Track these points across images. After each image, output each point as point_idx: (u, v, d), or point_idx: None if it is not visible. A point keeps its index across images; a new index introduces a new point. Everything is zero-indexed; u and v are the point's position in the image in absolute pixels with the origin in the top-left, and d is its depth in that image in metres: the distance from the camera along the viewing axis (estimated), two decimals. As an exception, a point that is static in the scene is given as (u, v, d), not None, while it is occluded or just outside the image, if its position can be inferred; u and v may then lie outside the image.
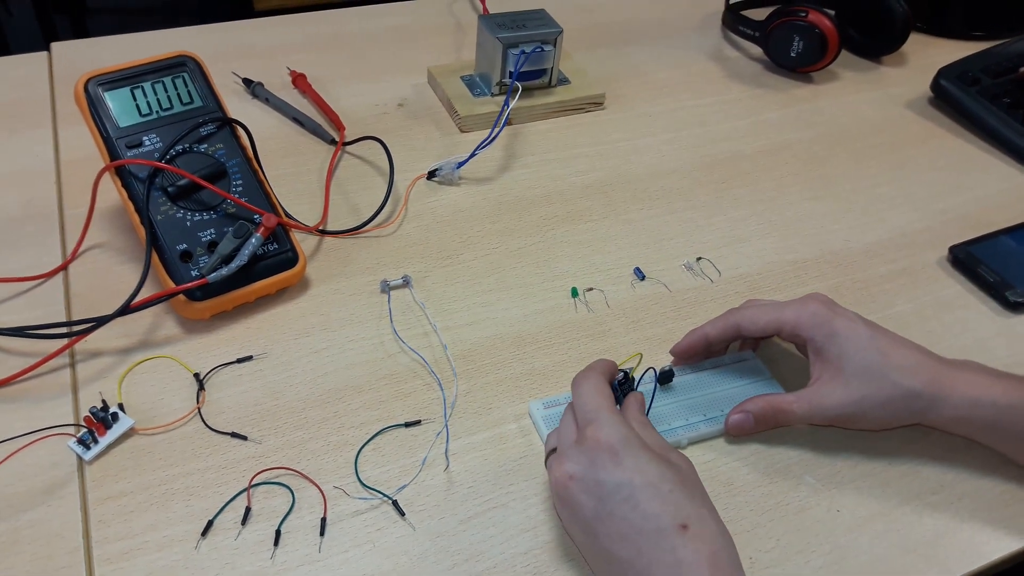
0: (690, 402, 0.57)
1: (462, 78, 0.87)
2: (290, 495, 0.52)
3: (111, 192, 0.63)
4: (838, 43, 0.92)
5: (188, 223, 0.61)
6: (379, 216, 0.72)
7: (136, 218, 0.61)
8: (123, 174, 0.61)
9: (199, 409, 0.56)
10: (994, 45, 0.96)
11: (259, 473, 0.52)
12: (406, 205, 0.74)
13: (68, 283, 0.64)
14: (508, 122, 0.84)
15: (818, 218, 0.76)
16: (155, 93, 0.63)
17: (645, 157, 0.82)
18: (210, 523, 0.50)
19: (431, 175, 0.77)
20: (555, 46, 0.83)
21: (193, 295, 0.59)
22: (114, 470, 0.52)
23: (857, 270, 0.71)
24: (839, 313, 0.55)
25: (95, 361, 0.59)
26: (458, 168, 0.77)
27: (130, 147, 0.61)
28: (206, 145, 0.64)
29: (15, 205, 0.71)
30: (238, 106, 0.84)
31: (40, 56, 0.90)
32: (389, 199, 0.74)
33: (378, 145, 0.79)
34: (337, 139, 0.80)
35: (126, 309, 0.58)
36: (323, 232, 0.71)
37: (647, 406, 0.53)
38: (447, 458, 0.54)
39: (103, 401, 0.54)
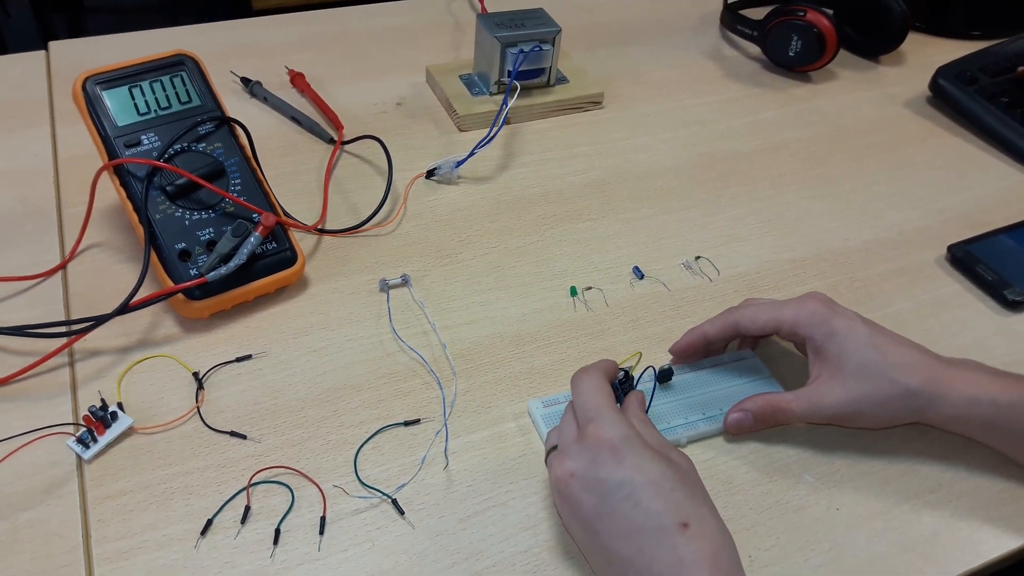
0: (689, 401, 0.57)
1: (460, 77, 0.87)
2: (289, 494, 0.52)
3: (109, 191, 0.63)
4: (836, 42, 0.92)
5: (187, 222, 0.61)
6: (378, 215, 0.72)
7: (135, 217, 0.61)
8: (121, 173, 0.61)
9: (198, 408, 0.56)
10: (992, 44, 0.96)
11: (258, 472, 0.52)
12: (405, 204, 0.74)
13: (67, 282, 0.64)
14: (507, 121, 0.84)
15: (816, 217, 0.76)
16: (153, 92, 0.63)
17: (644, 156, 0.82)
18: (209, 522, 0.50)
19: (430, 174, 0.77)
20: (553, 45, 0.83)
21: (192, 294, 0.59)
22: (113, 469, 0.52)
23: (855, 269, 0.71)
24: (838, 312, 0.55)
25: (94, 360, 0.59)
26: (457, 167, 0.77)
27: (128, 146, 0.61)
28: (204, 144, 0.64)
29: (13, 204, 0.71)
30: (236, 105, 0.84)
31: (38, 55, 0.89)
32: (388, 198, 0.74)
33: (377, 144, 0.79)
34: (336, 138, 0.80)
35: (125, 308, 0.58)
36: (322, 231, 0.70)
37: (647, 405, 0.53)
38: (446, 457, 0.54)
39: (102, 400, 0.54)
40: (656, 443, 0.47)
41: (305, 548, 0.49)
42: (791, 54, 0.94)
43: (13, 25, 2.32)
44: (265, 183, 0.65)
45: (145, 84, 0.63)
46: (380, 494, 0.52)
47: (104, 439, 0.53)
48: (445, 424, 0.56)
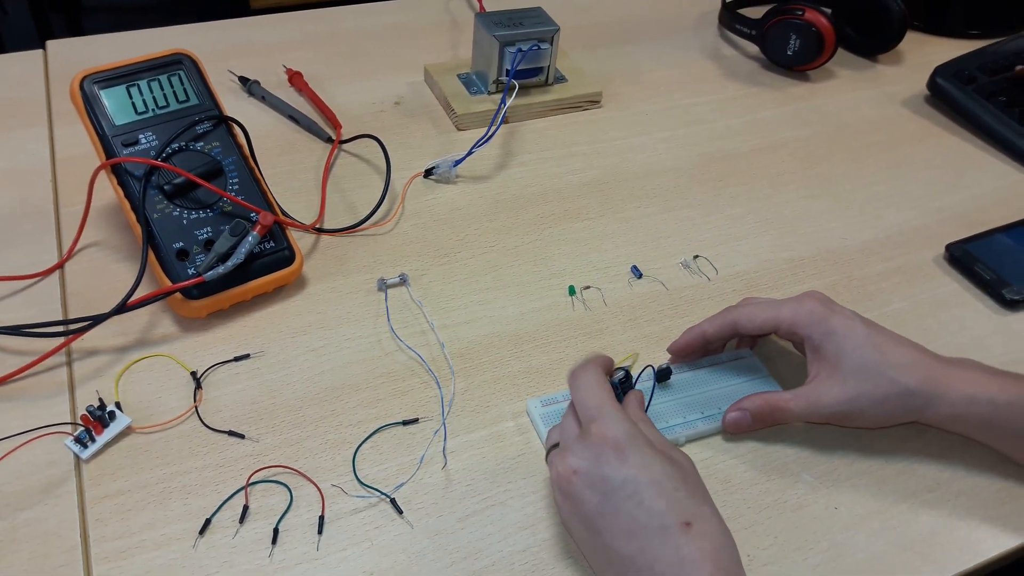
0: (688, 400, 0.57)
1: (459, 76, 0.87)
2: (288, 493, 0.52)
3: (107, 190, 0.63)
4: (835, 41, 0.92)
5: (184, 221, 0.61)
6: (376, 214, 0.72)
7: (132, 216, 0.61)
8: (119, 172, 0.61)
9: (196, 407, 0.56)
10: (990, 43, 0.96)
11: (257, 471, 0.52)
12: (403, 203, 0.74)
13: (64, 281, 0.64)
14: (505, 120, 0.84)
15: (815, 216, 0.76)
16: (151, 91, 0.63)
17: (642, 155, 0.82)
18: (208, 521, 0.50)
19: (428, 173, 0.77)
20: (552, 44, 0.83)
21: (190, 293, 0.59)
22: (111, 469, 0.52)
23: (854, 268, 0.71)
24: (836, 311, 0.55)
25: (92, 359, 0.59)
26: (455, 166, 0.77)
27: (126, 145, 0.61)
28: (202, 143, 0.64)
29: (11, 203, 0.71)
30: (234, 104, 0.84)
31: (36, 54, 0.89)
32: (386, 197, 0.74)
33: (375, 143, 0.79)
34: (334, 137, 0.80)
35: (123, 307, 0.57)
36: (320, 230, 0.70)
37: (646, 404, 0.53)
38: (445, 456, 0.54)
39: (100, 400, 0.54)
40: (657, 442, 0.47)
41: (304, 547, 0.49)
42: (789, 53, 0.94)
43: (11, 24, 2.32)
44: (263, 182, 0.65)
45: (143, 83, 0.63)
46: (378, 493, 0.52)
47: (102, 439, 0.53)
48: (443, 423, 0.56)
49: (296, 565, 0.48)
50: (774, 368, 0.61)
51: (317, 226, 0.70)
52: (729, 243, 0.73)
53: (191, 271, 0.60)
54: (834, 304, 0.56)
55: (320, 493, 0.52)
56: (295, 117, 0.82)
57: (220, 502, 0.51)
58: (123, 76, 0.62)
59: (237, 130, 0.66)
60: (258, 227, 0.60)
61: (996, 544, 0.52)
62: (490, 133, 0.77)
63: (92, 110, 0.61)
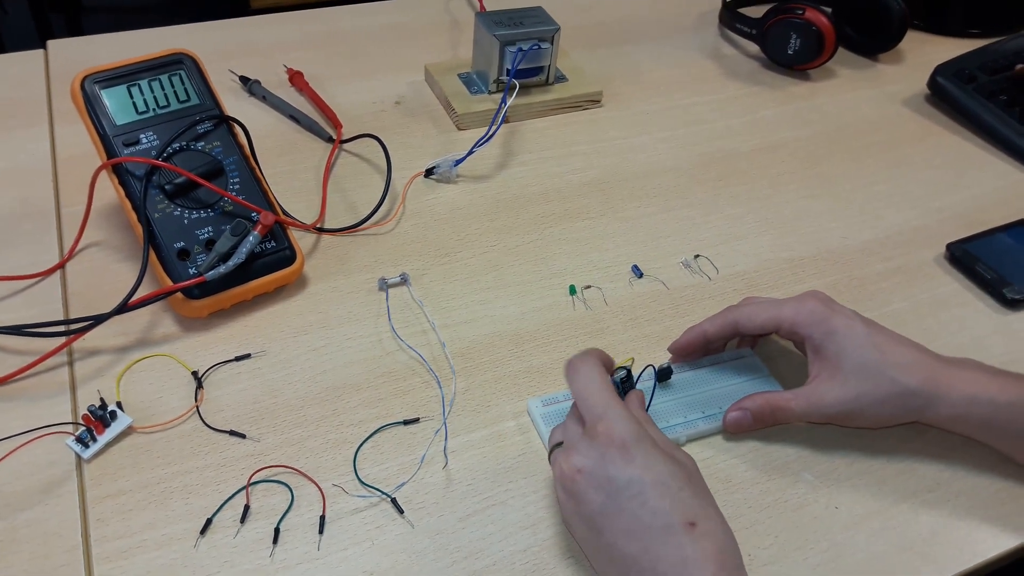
0: (688, 399, 0.58)
1: (459, 76, 0.87)
2: (289, 493, 0.52)
3: (108, 190, 0.63)
4: (835, 41, 0.92)
5: (185, 221, 0.61)
6: (377, 214, 0.72)
7: (133, 216, 0.61)
8: (120, 172, 0.61)
9: (197, 407, 0.56)
10: (991, 42, 0.96)
11: (258, 471, 0.52)
12: (403, 203, 0.74)
13: (65, 281, 0.64)
14: (505, 120, 0.84)
15: (815, 216, 0.76)
16: (152, 91, 0.63)
17: (642, 155, 0.82)
18: (209, 521, 0.50)
19: (428, 173, 0.77)
20: (552, 44, 0.83)
21: (191, 293, 0.59)
22: (112, 468, 0.52)
23: (854, 268, 0.71)
24: (837, 311, 0.55)
25: (93, 359, 0.59)
26: (455, 166, 0.77)
27: (127, 145, 0.61)
28: (203, 143, 0.64)
29: (12, 203, 0.71)
30: (235, 104, 0.84)
31: (36, 54, 0.89)
32: (386, 197, 0.74)
33: (375, 143, 0.79)
34: (334, 137, 0.80)
35: (124, 307, 0.58)
36: (321, 230, 0.70)
37: (647, 404, 0.53)
38: (446, 456, 0.55)
39: (101, 399, 0.54)
40: (660, 442, 0.47)
41: (304, 547, 0.49)
42: (790, 52, 0.94)
43: (11, 24, 2.32)
44: (264, 182, 0.65)
45: (144, 83, 0.63)
46: (379, 493, 0.52)
47: (103, 438, 0.53)
48: (444, 423, 0.56)
49: (297, 565, 0.48)
50: (775, 368, 0.61)
51: (318, 226, 0.70)
52: (729, 243, 0.73)
53: (192, 271, 0.60)
54: (835, 304, 0.56)
55: (321, 493, 0.52)
56: (296, 117, 0.82)
57: (221, 502, 0.51)
58: (124, 76, 0.62)
59: (238, 130, 0.66)
60: (259, 227, 0.60)
61: (996, 544, 0.52)
62: (491, 133, 0.77)
63: (93, 110, 0.61)
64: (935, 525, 0.53)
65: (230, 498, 0.51)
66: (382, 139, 0.78)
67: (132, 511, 0.50)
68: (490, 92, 0.85)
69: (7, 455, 0.52)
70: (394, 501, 0.52)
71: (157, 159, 0.61)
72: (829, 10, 0.92)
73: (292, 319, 0.63)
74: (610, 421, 0.46)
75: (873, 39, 0.99)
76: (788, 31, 0.92)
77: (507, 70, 0.82)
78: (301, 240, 0.69)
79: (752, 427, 0.56)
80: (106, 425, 0.53)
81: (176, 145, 0.62)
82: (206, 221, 0.62)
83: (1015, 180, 0.82)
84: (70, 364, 0.58)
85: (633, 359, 0.54)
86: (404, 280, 0.66)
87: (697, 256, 0.71)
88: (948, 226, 0.76)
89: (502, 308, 0.65)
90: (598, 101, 0.88)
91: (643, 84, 0.92)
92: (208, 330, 0.61)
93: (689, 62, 0.97)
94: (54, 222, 0.69)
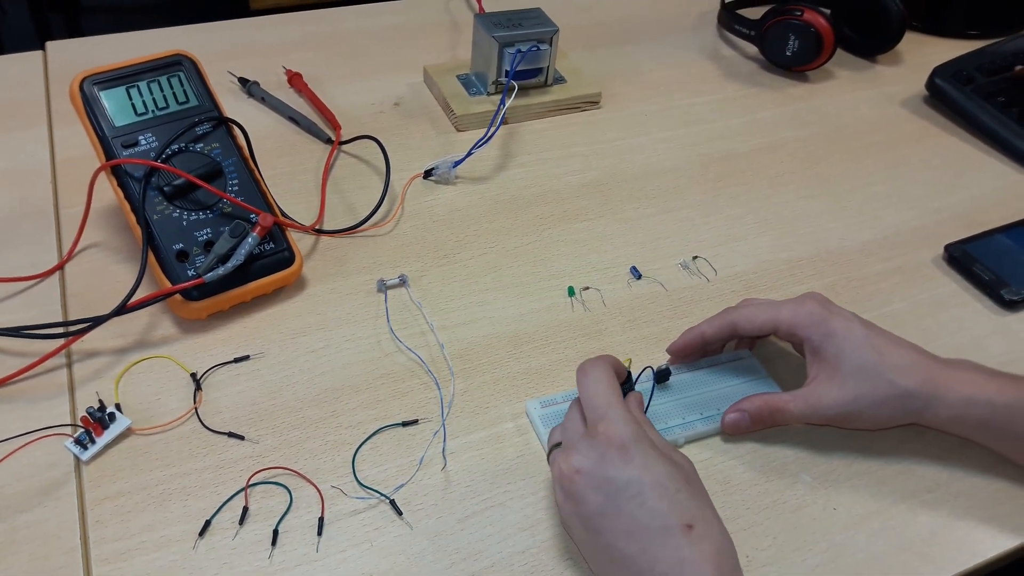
0: (687, 401, 0.58)
1: (458, 77, 0.87)
2: (288, 495, 0.52)
3: (107, 191, 0.63)
4: (833, 42, 0.92)
5: (184, 222, 0.61)
6: (375, 215, 0.72)
7: (132, 218, 0.61)
8: (119, 173, 0.61)
9: (196, 409, 0.56)
10: (989, 44, 0.96)
11: (256, 473, 0.52)
12: (402, 204, 0.74)
13: (64, 283, 0.64)
14: (504, 121, 0.84)
15: (814, 217, 0.77)
16: (151, 92, 0.63)
17: (641, 156, 0.82)
18: (207, 523, 0.50)
19: (427, 174, 0.77)
20: (551, 45, 0.83)
21: (190, 295, 0.59)
22: (111, 470, 0.52)
23: (853, 269, 0.71)
24: (835, 312, 0.55)
25: (92, 361, 0.59)
26: (454, 167, 0.77)
27: (126, 146, 0.61)
28: (202, 144, 0.64)
29: (11, 204, 0.71)
30: (234, 105, 0.84)
31: (35, 55, 0.89)
32: (385, 198, 0.74)
33: (374, 144, 0.79)
34: (333, 138, 0.80)
35: (123, 309, 0.58)
36: (319, 231, 0.70)
37: (645, 405, 0.53)
38: (444, 457, 0.55)
39: (100, 401, 0.54)
40: (658, 443, 0.47)
41: (303, 549, 0.49)
42: (788, 54, 0.94)
43: (10, 24, 2.32)
44: (263, 183, 0.65)
45: (143, 84, 0.63)
46: (378, 495, 0.52)
47: (102, 440, 0.53)
48: (443, 424, 0.56)
49: (296, 567, 0.48)
50: (773, 369, 0.61)
51: (317, 227, 0.70)
52: (728, 244, 0.73)
53: (191, 272, 0.60)
54: (833, 306, 0.56)
55: (320, 494, 0.52)
56: (295, 118, 0.82)
57: (220, 503, 0.51)
58: (123, 77, 0.62)
59: (237, 131, 0.66)
60: (258, 228, 0.61)
61: (995, 544, 0.52)
62: (489, 134, 0.77)
63: (92, 111, 0.61)
64: (934, 526, 0.53)
65: (229, 500, 0.51)
66: (381, 140, 0.78)
67: (131, 513, 0.50)
68: (489, 93, 0.85)
69: (6, 457, 0.52)
70: (393, 503, 0.52)
71: (156, 160, 0.61)
72: (828, 11, 0.92)
73: (291, 320, 0.63)
74: (610, 422, 0.46)
75: (872, 40, 0.99)
76: (787, 32, 0.93)
77: (506, 71, 0.82)
78: (300, 241, 0.69)
79: (750, 429, 0.56)
80: (105, 427, 0.53)
81: (175, 146, 0.62)
82: (205, 223, 0.62)
83: (1013, 181, 0.83)
84: (69, 366, 0.58)
85: (631, 359, 0.54)
86: (403, 281, 0.66)
87: (696, 257, 0.71)
88: (946, 227, 0.76)
89: (501, 309, 0.65)
90: (597, 103, 0.88)
91: (642, 85, 0.93)
92: (207, 332, 0.61)
93: (688, 63, 0.97)
94: (53, 223, 0.69)
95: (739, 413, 0.55)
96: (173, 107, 0.63)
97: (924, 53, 1.01)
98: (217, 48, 0.91)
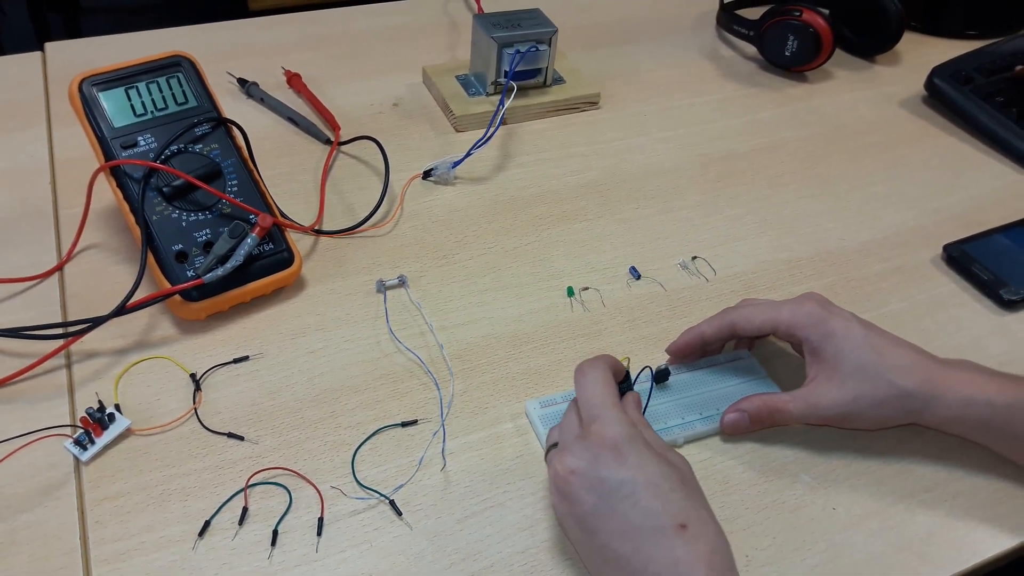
0: (686, 401, 0.58)
1: (457, 77, 0.87)
2: (287, 495, 0.52)
3: (106, 192, 0.63)
4: (832, 42, 0.92)
5: (183, 223, 0.61)
6: (375, 216, 0.72)
7: (131, 218, 0.61)
8: (118, 174, 0.61)
9: (196, 409, 0.56)
10: (987, 44, 0.96)
11: (256, 473, 0.52)
12: (401, 205, 0.74)
13: (64, 283, 0.64)
14: (503, 122, 0.84)
15: (813, 217, 0.77)
16: (150, 93, 0.63)
17: (640, 156, 0.82)
18: (207, 523, 0.50)
19: (426, 175, 0.77)
20: (550, 45, 0.83)
21: (189, 295, 0.59)
22: (111, 471, 0.52)
23: (852, 269, 0.71)
24: (835, 313, 0.55)
25: (91, 362, 0.59)
26: (453, 168, 0.77)
27: (125, 147, 0.61)
28: (201, 145, 0.64)
29: (10, 205, 0.71)
30: (233, 106, 0.84)
31: (34, 56, 0.89)
32: (384, 199, 0.74)
33: (373, 145, 0.79)
34: (332, 139, 0.80)
35: (122, 310, 0.58)
36: (319, 232, 0.71)
37: (644, 405, 0.53)
38: (444, 458, 0.55)
39: (99, 402, 0.54)
40: (655, 444, 0.48)
41: (303, 549, 0.49)
42: (787, 54, 0.94)
43: (9, 24, 2.32)
44: (262, 184, 0.65)
45: (142, 85, 0.63)
46: (378, 495, 0.52)
47: (101, 441, 0.53)
48: (443, 425, 0.56)
49: (295, 567, 0.48)
50: (772, 369, 0.61)
51: (316, 228, 0.71)
52: (727, 244, 0.73)
53: (190, 273, 0.60)
54: (832, 306, 0.56)
55: (319, 495, 0.52)
56: (294, 119, 0.82)
57: (219, 504, 0.51)
58: (122, 78, 0.62)
59: (236, 132, 0.66)
60: (257, 229, 0.61)
61: (994, 544, 0.52)
62: (488, 134, 0.77)
63: (91, 112, 0.61)
64: (933, 525, 0.53)
65: (228, 500, 0.51)
66: (380, 141, 0.78)
67: (130, 513, 0.50)
68: (488, 94, 0.85)
69: (6, 457, 0.52)
70: (392, 503, 0.52)
71: (155, 161, 0.61)
72: (826, 12, 0.92)
73: (290, 321, 0.63)
74: (604, 422, 0.46)
75: (870, 40, 0.99)
76: (786, 33, 0.93)
77: (505, 72, 0.82)
78: (299, 242, 0.69)
79: (750, 429, 0.56)
80: (104, 427, 0.53)
81: (174, 147, 0.62)
82: (204, 223, 0.62)
83: (1012, 181, 0.83)
84: (68, 366, 0.58)
85: (629, 358, 0.54)
86: (402, 282, 0.66)
87: (695, 258, 0.71)
88: (945, 227, 0.76)
89: (500, 310, 0.65)
90: (596, 103, 0.88)
91: (641, 85, 0.93)
92: (206, 332, 0.61)
93: (687, 63, 0.97)
94: (52, 224, 0.69)
95: (738, 413, 0.56)
96: (172, 108, 0.63)
97: (923, 53, 1.01)
98: (216, 49, 0.91)
